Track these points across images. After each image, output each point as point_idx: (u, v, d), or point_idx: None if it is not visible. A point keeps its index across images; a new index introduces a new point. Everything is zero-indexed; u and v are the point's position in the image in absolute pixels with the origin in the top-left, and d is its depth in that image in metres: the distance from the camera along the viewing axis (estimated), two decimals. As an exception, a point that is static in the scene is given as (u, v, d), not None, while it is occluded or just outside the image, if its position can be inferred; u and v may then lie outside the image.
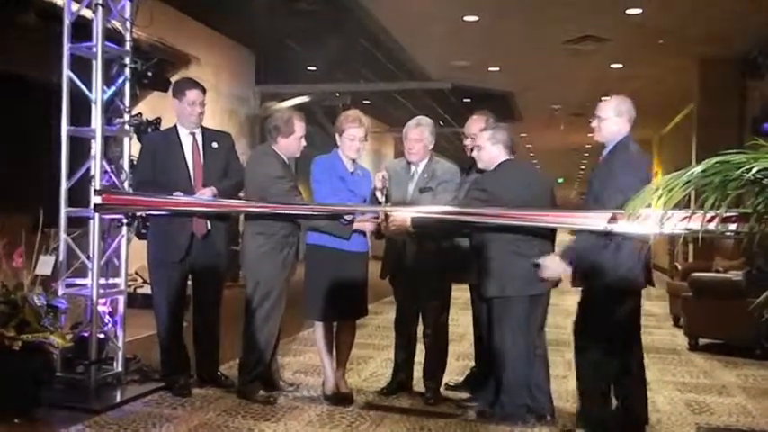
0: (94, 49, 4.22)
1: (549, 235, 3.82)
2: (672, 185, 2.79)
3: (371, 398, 4.29)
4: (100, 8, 4.18)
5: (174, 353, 4.32)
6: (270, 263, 4.08)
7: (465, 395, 4.33)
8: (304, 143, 4.22)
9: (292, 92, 11.43)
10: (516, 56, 10.04)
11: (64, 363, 4.21)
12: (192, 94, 4.29)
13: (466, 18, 8.33)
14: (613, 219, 3.32)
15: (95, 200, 4.14)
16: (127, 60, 4.44)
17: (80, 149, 4.30)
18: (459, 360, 5.17)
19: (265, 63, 10.88)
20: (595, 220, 3.40)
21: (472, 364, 4.59)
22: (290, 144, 4.17)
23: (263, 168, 4.11)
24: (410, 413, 4.01)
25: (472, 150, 4.14)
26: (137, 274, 6.75)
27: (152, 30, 4.92)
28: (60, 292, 4.12)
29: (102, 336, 4.32)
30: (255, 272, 4.12)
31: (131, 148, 4.53)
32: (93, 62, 4.23)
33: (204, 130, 4.39)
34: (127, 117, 4.45)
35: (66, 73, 4.21)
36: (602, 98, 3.74)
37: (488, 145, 3.90)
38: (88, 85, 4.24)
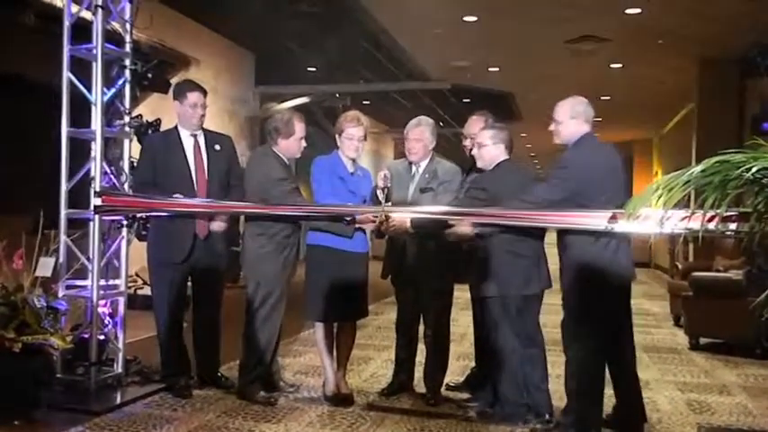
0: (94, 51, 4.22)
1: (542, 235, 3.82)
2: (672, 185, 2.80)
3: (372, 399, 4.29)
4: (100, 10, 4.18)
5: (174, 354, 4.32)
6: (271, 263, 4.08)
7: (465, 396, 4.33)
8: (304, 144, 4.22)
9: (292, 93, 11.44)
10: (516, 56, 10.03)
11: (64, 364, 4.21)
12: (194, 97, 4.29)
13: (465, 18, 8.32)
14: (613, 218, 3.32)
15: (95, 201, 4.14)
16: (127, 62, 4.44)
17: (80, 151, 4.29)
18: (460, 360, 5.17)
19: (265, 64, 10.88)
20: (595, 220, 3.40)
21: (473, 364, 4.59)
22: (291, 145, 4.17)
23: (264, 170, 4.10)
24: (411, 414, 4.02)
25: (471, 150, 4.13)
26: (137, 275, 6.75)
27: (152, 31, 4.92)
28: (60, 294, 4.12)
29: (102, 337, 4.32)
30: (256, 272, 4.12)
31: (131, 149, 4.53)
32: (93, 64, 4.24)
33: (206, 132, 4.40)
34: (127, 119, 4.45)
35: (66, 74, 4.21)
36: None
37: (490, 144, 3.89)
38: (88, 86, 4.24)
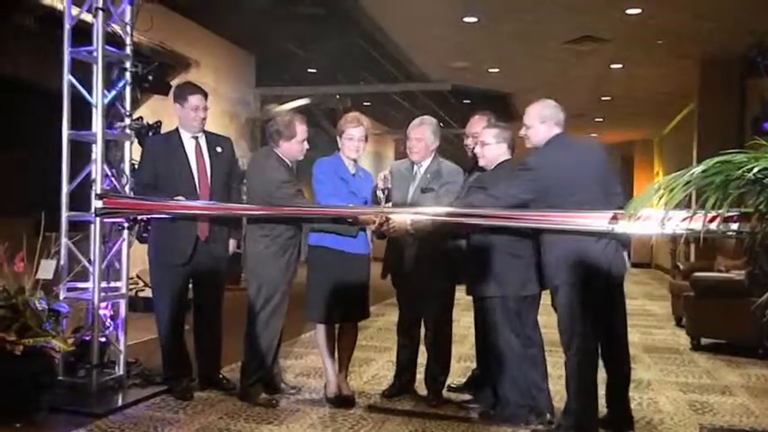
0: (95, 53, 4.23)
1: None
2: (673, 185, 2.80)
3: (374, 400, 4.28)
4: (100, 12, 4.19)
5: (175, 356, 4.32)
6: (274, 265, 4.07)
7: (467, 397, 4.32)
8: (307, 146, 4.22)
9: (293, 94, 11.44)
10: (516, 56, 10.03)
11: (65, 367, 4.22)
12: (195, 99, 4.29)
13: (465, 19, 8.32)
14: (614, 219, 3.32)
15: (96, 204, 4.14)
16: (127, 64, 4.44)
17: (81, 153, 4.30)
18: (461, 362, 5.16)
19: (265, 65, 10.89)
20: (596, 221, 3.39)
21: (474, 365, 4.58)
22: (293, 147, 4.17)
23: (267, 173, 4.09)
24: (412, 415, 4.01)
25: (474, 149, 4.13)
26: (138, 277, 6.75)
27: (152, 33, 4.93)
28: (62, 296, 4.13)
29: (103, 339, 4.32)
30: (259, 274, 4.12)
31: (132, 151, 4.53)
32: (94, 66, 4.24)
33: (207, 134, 4.40)
34: (128, 121, 4.45)
35: (67, 77, 4.21)
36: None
37: (493, 142, 3.89)
38: (89, 88, 4.24)
